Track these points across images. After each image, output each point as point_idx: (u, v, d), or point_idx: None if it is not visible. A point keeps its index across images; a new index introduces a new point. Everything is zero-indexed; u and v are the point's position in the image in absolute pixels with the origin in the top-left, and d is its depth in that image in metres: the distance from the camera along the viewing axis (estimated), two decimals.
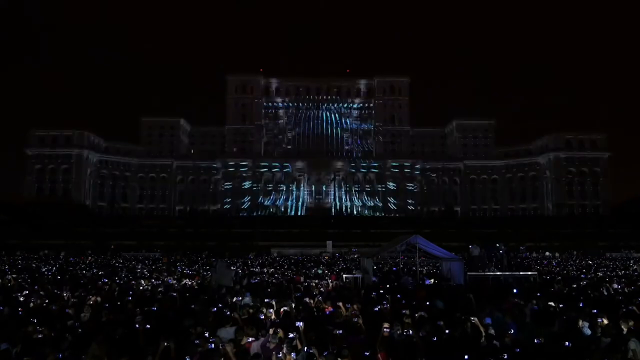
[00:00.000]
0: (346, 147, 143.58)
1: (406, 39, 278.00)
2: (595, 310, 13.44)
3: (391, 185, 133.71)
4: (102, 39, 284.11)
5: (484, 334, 11.52)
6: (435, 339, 11.14)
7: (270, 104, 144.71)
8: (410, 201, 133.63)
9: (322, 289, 21.58)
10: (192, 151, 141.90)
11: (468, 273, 28.20)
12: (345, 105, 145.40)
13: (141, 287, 23.19)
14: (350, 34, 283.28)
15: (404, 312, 13.59)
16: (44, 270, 36.09)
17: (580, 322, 12.41)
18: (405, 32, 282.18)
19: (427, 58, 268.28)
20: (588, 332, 11.92)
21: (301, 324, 10.24)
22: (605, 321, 11.87)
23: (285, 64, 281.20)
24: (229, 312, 14.01)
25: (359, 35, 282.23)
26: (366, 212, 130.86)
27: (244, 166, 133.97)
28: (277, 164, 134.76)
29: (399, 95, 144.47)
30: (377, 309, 14.74)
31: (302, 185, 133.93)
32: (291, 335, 10.12)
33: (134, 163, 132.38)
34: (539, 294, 18.47)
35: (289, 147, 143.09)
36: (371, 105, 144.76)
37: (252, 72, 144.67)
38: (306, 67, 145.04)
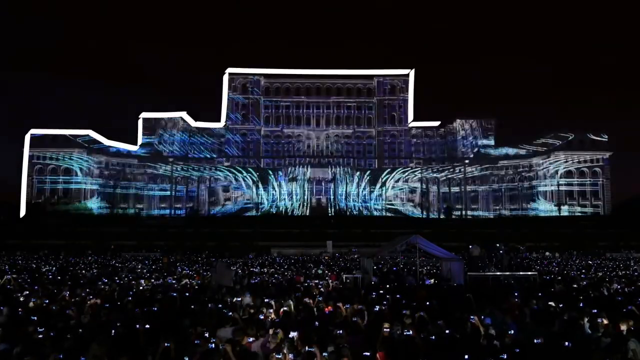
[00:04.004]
0: (347, 147, 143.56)
1: (407, 34, 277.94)
2: (595, 310, 13.47)
3: (391, 185, 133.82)
4: (100, 36, 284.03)
5: (483, 334, 11.53)
6: (435, 338, 11.16)
7: (269, 102, 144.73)
8: (410, 202, 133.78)
9: (322, 289, 21.59)
10: (193, 150, 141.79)
11: (468, 273, 28.25)
12: (346, 104, 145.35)
13: (141, 287, 23.22)
14: (350, 33, 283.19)
15: (404, 312, 13.61)
16: (44, 270, 36.09)
17: (584, 321, 12.46)
18: (407, 28, 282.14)
19: (429, 55, 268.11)
20: (588, 332, 11.95)
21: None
22: (605, 321, 11.89)
23: (285, 62, 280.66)
24: (229, 312, 14.03)
25: (359, 33, 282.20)
26: (366, 212, 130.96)
27: (243, 166, 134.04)
28: (277, 164, 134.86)
29: (400, 93, 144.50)
30: (377, 308, 14.76)
31: (301, 185, 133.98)
32: (291, 335, 10.14)
33: (134, 162, 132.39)
34: (539, 294, 18.49)
35: (289, 146, 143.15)
36: (372, 104, 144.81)
37: (251, 70, 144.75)
38: (306, 66, 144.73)
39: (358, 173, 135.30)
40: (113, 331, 11.63)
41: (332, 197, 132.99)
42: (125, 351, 9.77)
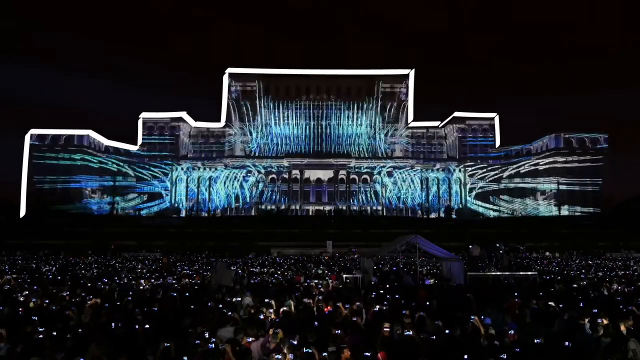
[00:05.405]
0: (346, 147, 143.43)
1: (407, 34, 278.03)
2: (595, 310, 13.47)
3: (392, 185, 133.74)
4: (100, 36, 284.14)
5: (483, 334, 11.53)
6: (435, 338, 11.16)
7: (269, 102, 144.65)
8: (410, 201, 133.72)
9: (322, 289, 21.58)
10: (193, 151, 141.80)
11: (468, 273, 28.25)
12: (346, 104, 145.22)
13: (141, 287, 23.22)
14: (351, 33, 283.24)
15: (404, 312, 13.61)
16: (44, 270, 36.08)
17: (584, 321, 12.47)
18: (408, 25, 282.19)
19: (429, 55, 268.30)
20: (588, 332, 11.94)
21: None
22: (605, 321, 11.89)
23: (285, 62, 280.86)
24: (229, 312, 14.03)
25: (360, 33, 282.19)
26: (365, 212, 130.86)
27: (243, 166, 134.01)
28: (276, 164, 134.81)
29: (399, 93, 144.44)
30: (377, 308, 14.76)
31: (301, 185, 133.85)
32: (292, 340, 10.14)
33: (134, 162, 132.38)
34: (539, 294, 18.50)
35: (289, 146, 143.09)
36: (372, 104, 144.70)
37: (250, 70, 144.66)
38: (306, 65, 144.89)
39: (358, 172, 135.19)
40: (113, 330, 11.64)
41: (332, 197, 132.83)
42: (125, 351, 9.77)
